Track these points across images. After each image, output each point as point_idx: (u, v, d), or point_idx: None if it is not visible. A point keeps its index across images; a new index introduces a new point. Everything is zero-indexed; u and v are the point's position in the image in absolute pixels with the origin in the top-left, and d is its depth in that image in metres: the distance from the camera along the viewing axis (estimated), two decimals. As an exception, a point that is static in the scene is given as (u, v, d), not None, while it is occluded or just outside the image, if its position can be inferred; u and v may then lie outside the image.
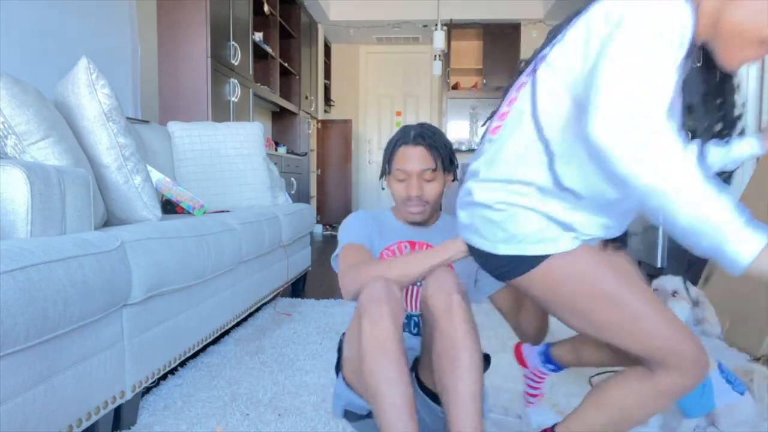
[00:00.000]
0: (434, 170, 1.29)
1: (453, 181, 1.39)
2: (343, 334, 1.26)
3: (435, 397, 1.18)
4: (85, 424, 1.20)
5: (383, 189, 1.41)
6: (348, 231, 1.35)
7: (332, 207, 6.87)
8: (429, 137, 1.30)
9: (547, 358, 1.37)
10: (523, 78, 1.03)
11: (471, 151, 3.92)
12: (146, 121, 2.86)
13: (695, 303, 1.35)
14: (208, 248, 1.77)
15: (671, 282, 1.38)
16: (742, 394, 1.37)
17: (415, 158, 1.28)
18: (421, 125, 1.33)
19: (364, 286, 1.09)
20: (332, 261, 1.35)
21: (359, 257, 1.25)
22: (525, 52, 6.55)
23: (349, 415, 1.24)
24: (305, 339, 2.22)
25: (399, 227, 1.38)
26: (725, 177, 1.12)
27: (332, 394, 1.33)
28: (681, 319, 1.28)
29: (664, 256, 3.58)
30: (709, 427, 1.43)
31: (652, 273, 3.85)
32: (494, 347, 2.05)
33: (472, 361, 1.03)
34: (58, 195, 1.25)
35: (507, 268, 1.00)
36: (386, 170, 1.35)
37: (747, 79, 3.02)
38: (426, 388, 1.21)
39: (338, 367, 1.28)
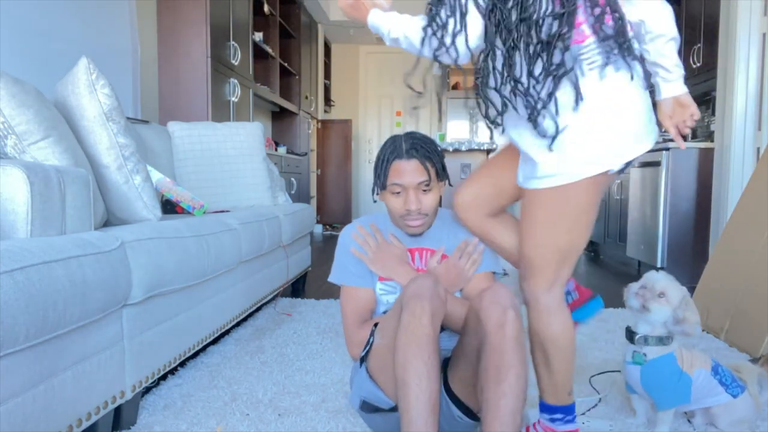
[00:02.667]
0: (429, 181, 1.30)
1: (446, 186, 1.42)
2: (375, 324, 1.29)
3: (460, 404, 1.20)
4: (85, 424, 1.20)
5: (375, 201, 1.42)
6: (341, 262, 1.43)
7: (332, 207, 6.87)
8: (421, 149, 1.30)
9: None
10: None
11: (471, 151, 3.92)
12: (146, 121, 2.86)
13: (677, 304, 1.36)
14: (208, 248, 1.77)
15: (661, 282, 1.37)
16: (735, 396, 1.38)
17: (410, 172, 1.28)
18: (411, 136, 1.33)
19: (411, 282, 1.13)
20: (330, 280, 1.46)
21: (356, 311, 1.39)
22: (525, 52, 6.54)
23: (365, 406, 1.25)
24: (305, 339, 2.22)
25: (396, 234, 1.43)
26: None
27: (351, 385, 1.37)
28: (660, 320, 1.34)
29: (664, 256, 3.59)
30: (708, 426, 1.43)
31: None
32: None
33: (518, 379, 1.05)
34: (58, 195, 1.25)
35: None
36: (379, 185, 1.34)
37: (747, 79, 3.02)
38: (451, 393, 1.22)
39: (362, 359, 1.30)
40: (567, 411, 1.29)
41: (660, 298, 1.35)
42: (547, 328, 1.23)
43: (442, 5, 1.09)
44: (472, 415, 1.20)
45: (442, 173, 1.34)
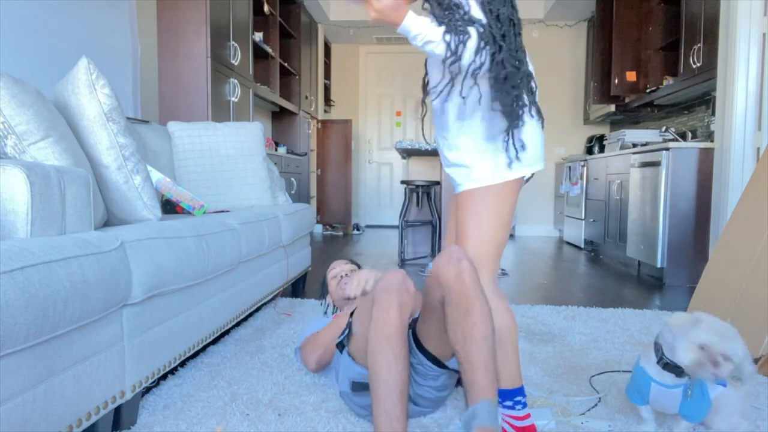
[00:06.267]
0: (352, 269, 1.97)
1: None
2: (352, 313, 1.48)
3: (429, 355, 1.38)
4: (85, 424, 1.20)
5: (326, 311, 2.03)
6: (304, 333, 1.83)
7: (332, 207, 6.87)
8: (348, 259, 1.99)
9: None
10: None
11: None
12: (146, 121, 2.86)
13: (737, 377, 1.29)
14: (208, 248, 1.77)
15: (722, 344, 1.25)
16: (724, 385, 1.38)
17: (339, 264, 2.03)
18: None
19: (382, 277, 1.31)
20: (294, 354, 1.88)
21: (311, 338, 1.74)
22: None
23: (356, 386, 1.41)
24: (305, 339, 2.22)
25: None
26: None
27: (336, 372, 1.58)
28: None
29: (664, 256, 3.59)
30: (703, 426, 1.43)
31: (652, 273, 3.85)
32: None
33: (483, 309, 1.21)
34: (58, 195, 1.25)
35: None
36: (326, 290, 1.99)
37: (747, 79, 3.02)
38: (421, 346, 1.39)
39: (341, 345, 1.49)
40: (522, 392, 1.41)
41: (726, 361, 1.25)
42: (504, 317, 1.38)
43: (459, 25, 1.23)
44: (441, 364, 1.38)
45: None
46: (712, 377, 1.26)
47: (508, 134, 1.33)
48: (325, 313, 1.98)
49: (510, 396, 1.38)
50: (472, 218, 1.38)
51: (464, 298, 1.21)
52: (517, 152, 1.33)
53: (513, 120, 1.30)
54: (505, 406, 1.38)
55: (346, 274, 1.94)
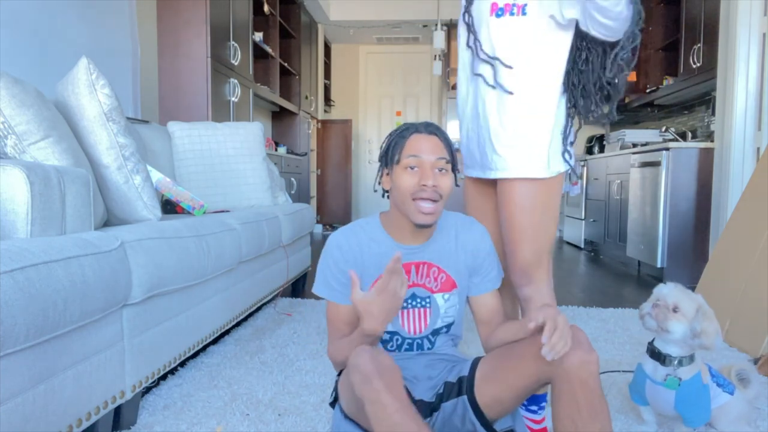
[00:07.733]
0: (448, 162, 1.16)
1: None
2: (340, 373, 1.23)
3: (481, 415, 1.14)
4: (85, 424, 1.20)
5: (376, 190, 1.25)
6: (325, 275, 1.26)
7: (332, 207, 6.87)
8: (440, 131, 1.19)
9: None
10: None
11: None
12: (146, 121, 2.86)
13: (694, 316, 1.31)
14: (208, 248, 1.77)
15: (673, 294, 1.32)
16: (732, 393, 1.38)
17: (429, 147, 1.14)
18: (428, 123, 1.22)
19: (350, 363, 1.04)
20: (314, 291, 1.30)
21: (335, 325, 1.26)
22: (525, 52, 6.54)
23: None
24: (305, 339, 2.22)
25: (387, 248, 1.22)
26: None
27: (331, 424, 1.28)
28: (679, 337, 1.29)
29: (664, 256, 3.59)
30: (707, 427, 1.43)
31: (652, 273, 3.85)
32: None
33: (609, 416, 1.06)
34: (58, 195, 1.25)
35: None
36: (390, 162, 1.17)
37: (747, 79, 3.02)
38: (475, 404, 1.14)
39: (334, 402, 1.25)
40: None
41: (675, 313, 1.29)
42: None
43: None
44: (488, 426, 1.16)
45: (454, 166, 1.20)
46: (658, 330, 1.33)
47: (570, 124, 1.37)
48: (377, 190, 1.25)
49: (537, 401, 1.38)
50: (527, 214, 1.32)
51: (593, 394, 1.03)
52: (572, 143, 1.38)
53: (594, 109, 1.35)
54: (529, 410, 1.39)
55: (434, 186, 1.13)
